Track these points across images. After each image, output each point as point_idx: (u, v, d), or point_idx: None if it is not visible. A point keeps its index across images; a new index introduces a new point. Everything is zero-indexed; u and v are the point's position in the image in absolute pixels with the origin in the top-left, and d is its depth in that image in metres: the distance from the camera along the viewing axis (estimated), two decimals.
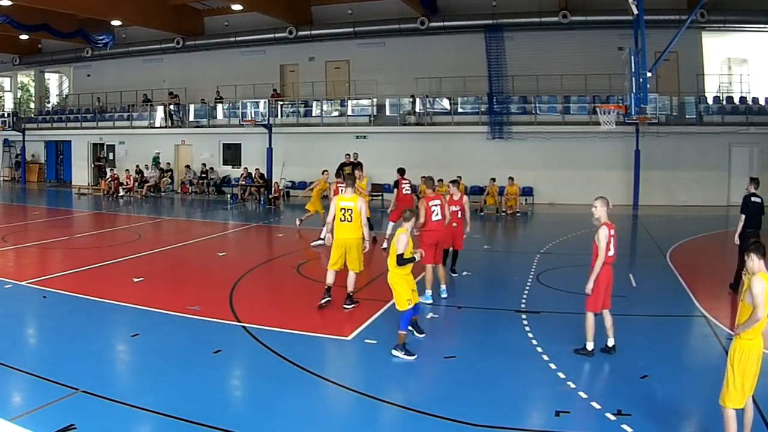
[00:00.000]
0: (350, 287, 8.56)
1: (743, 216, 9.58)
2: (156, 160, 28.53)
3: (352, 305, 8.52)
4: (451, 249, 10.43)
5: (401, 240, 6.85)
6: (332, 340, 7.42)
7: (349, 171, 20.76)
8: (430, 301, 8.95)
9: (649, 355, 6.87)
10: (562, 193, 22.83)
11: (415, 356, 6.62)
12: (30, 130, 32.39)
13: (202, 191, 26.80)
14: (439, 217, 9.13)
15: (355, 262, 8.52)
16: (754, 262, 4.62)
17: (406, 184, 13.58)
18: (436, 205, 9.11)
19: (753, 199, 9.57)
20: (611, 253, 6.77)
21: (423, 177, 9.68)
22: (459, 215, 10.13)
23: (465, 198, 10.31)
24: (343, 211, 8.45)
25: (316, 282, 10.64)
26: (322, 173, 15.89)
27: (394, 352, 6.66)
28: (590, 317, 6.80)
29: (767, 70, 23.07)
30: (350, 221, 8.45)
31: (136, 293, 9.29)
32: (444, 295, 9.24)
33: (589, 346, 6.79)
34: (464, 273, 10.89)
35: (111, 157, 30.82)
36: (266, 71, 27.76)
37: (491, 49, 23.86)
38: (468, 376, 6.36)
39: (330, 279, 8.60)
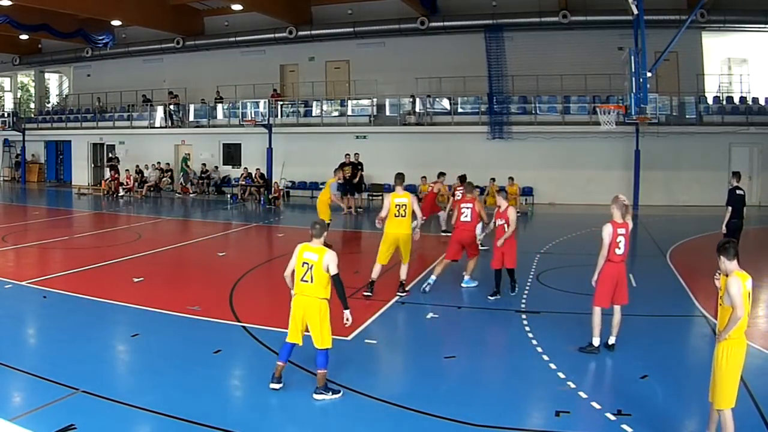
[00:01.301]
0: (403, 276, 9.39)
1: (729, 208, 10.13)
2: (185, 161, 27.83)
3: (405, 293, 9.31)
4: (504, 268, 9.56)
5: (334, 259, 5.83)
6: (332, 340, 7.40)
7: (349, 171, 20.89)
8: (431, 283, 9.45)
9: (649, 355, 6.87)
10: (562, 193, 22.83)
11: (341, 393, 5.74)
12: (30, 130, 32.36)
13: (202, 191, 26.79)
14: (468, 219, 9.62)
15: (407, 255, 9.31)
16: (725, 264, 4.66)
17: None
18: (467, 208, 9.66)
19: (738, 192, 10.15)
20: (620, 251, 6.85)
21: (460, 178, 10.11)
22: (505, 228, 9.41)
23: (511, 210, 9.61)
24: (398, 207, 9.10)
25: None
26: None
27: (318, 396, 5.66)
28: (596, 312, 6.89)
29: (767, 70, 23.06)
30: (404, 217, 9.11)
31: (136, 293, 9.29)
32: (472, 285, 9.96)
33: (595, 341, 6.87)
34: (464, 273, 10.87)
35: (112, 156, 30.79)
36: (266, 71, 27.74)
37: (491, 49, 23.85)
38: (468, 376, 6.36)
39: (376, 273, 9.23)
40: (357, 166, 21.36)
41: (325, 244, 6.01)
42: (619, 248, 6.86)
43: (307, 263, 5.79)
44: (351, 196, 21.10)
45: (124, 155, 29.77)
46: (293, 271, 5.92)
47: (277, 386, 5.81)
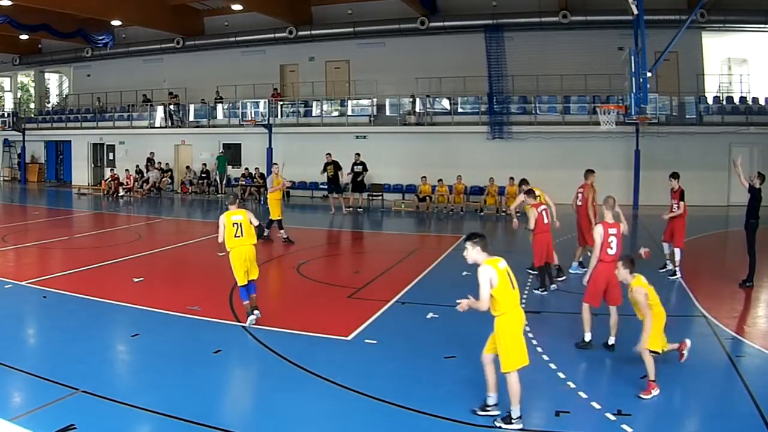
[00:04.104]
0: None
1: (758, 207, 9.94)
2: (223, 159, 26.79)
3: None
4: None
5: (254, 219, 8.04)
6: (332, 340, 7.42)
7: (332, 170, 20.99)
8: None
9: None
10: (562, 193, 22.70)
11: (258, 314, 7.67)
12: (30, 130, 32.38)
13: (202, 191, 26.79)
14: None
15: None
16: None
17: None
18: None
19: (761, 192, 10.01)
20: (612, 251, 6.87)
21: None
22: (546, 221, 10.16)
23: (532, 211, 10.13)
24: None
25: (317, 282, 10.67)
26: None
27: (256, 312, 7.69)
28: (584, 308, 7.00)
29: (767, 70, 23.06)
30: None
31: (136, 293, 9.29)
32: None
33: (587, 337, 6.97)
34: (464, 273, 10.85)
35: (112, 157, 30.83)
36: (266, 71, 27.74)
37: (491, 49, 23.84)
38: (468, 376, 6.35)
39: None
40: (358, 166, 21.46)
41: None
42: (611, 248, 6.91)
43: (237, 223, 7.80)
44: (352, 196, 21.17)
45: (124, 155, 29.81)
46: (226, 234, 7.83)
47: (253, 317, 7.62)
